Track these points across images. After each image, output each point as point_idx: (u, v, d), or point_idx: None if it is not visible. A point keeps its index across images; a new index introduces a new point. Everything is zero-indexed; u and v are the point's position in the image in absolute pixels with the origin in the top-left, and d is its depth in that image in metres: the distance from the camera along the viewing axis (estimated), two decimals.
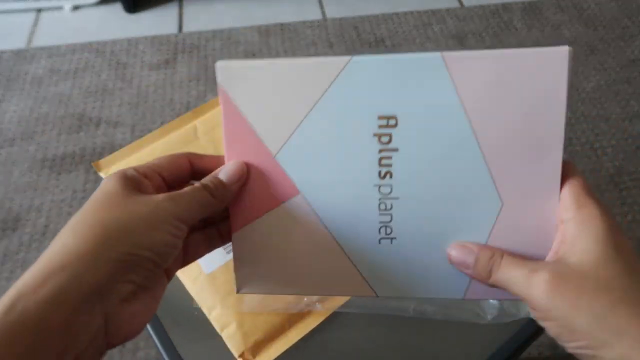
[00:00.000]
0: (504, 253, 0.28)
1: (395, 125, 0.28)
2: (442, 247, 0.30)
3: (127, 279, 0.23)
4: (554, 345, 0.89)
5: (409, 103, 0.28)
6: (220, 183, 0.29)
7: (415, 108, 0.28)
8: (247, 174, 0.30)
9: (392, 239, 0.30)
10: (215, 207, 0.29)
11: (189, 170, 0.31)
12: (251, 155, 0.30)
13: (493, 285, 0.28)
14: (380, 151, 0.29)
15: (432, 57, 0.28)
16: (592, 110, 1.25)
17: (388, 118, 0.28)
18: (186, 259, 0.30)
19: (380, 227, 0.30)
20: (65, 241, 0.23)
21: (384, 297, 0.31)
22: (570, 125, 1.20)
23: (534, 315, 0.26)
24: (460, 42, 1.42)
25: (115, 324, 0.23)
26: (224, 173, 0.29)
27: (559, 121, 0.27)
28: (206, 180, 0.29)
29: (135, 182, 0.27)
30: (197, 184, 0.28)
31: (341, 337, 0.44)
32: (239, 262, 0.32)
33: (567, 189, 0.27)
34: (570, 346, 0.25)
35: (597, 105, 1.26)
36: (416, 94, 0.28)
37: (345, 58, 0.28)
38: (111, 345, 0.24)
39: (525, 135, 0.28)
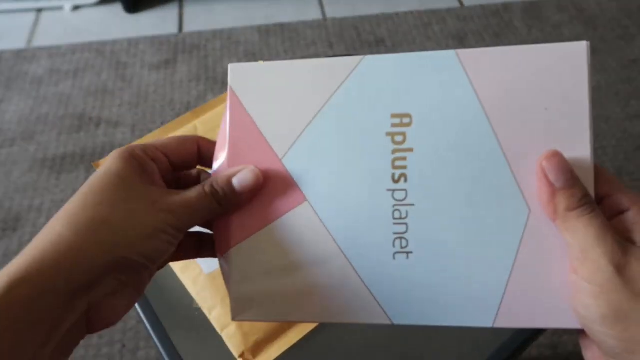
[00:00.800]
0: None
1: (410, 123, 0.27)
2: (464, 264, 0.26)
3: (115, 277, 0.24)
4: (554, 345, 0.89)
5: (424, 100, 0.27)
6: (231, 191, 0.27)
7: (431, 105, 0.27)
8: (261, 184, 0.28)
9: (408, 253, 0.27)
10: (219, 214, 0.28)
11: (196, 154, 0.30)
12: (255, 159, 0.28)
13: (555, 221, 0.25)
14: (394, 152, 0.27)
15: (446, 55, 0.27)
16: (592, 110, 1.25)
17: (402, 116, 0.27)
18: (173, 258, 0.30)
19: (395, 239, 0.27)
20: (62, 231, 0.23)
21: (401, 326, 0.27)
22: None
23: (583, 286, 0.24)
24: (461, 42, 1.42)
25: (97, 313, 0.24)
26: (238, 180, 0.27)
27: (584, 116, 0.26)
28: (217, 184, 0.27)
29: (141, 166, 0.26)
30: (206, 186, 0.27)
31: (341, 337, 0.44)
32: (235, 284, 0.28)
33: (614, 184, 0.26)
34: (606, 333, 0.23)
35: (597, 105, 1.26)
36: (431, 92, 0.27)
37: (358, 57, 0.27)
38: (91, 332, 0.25)
39: (549, 133, 0.26)
